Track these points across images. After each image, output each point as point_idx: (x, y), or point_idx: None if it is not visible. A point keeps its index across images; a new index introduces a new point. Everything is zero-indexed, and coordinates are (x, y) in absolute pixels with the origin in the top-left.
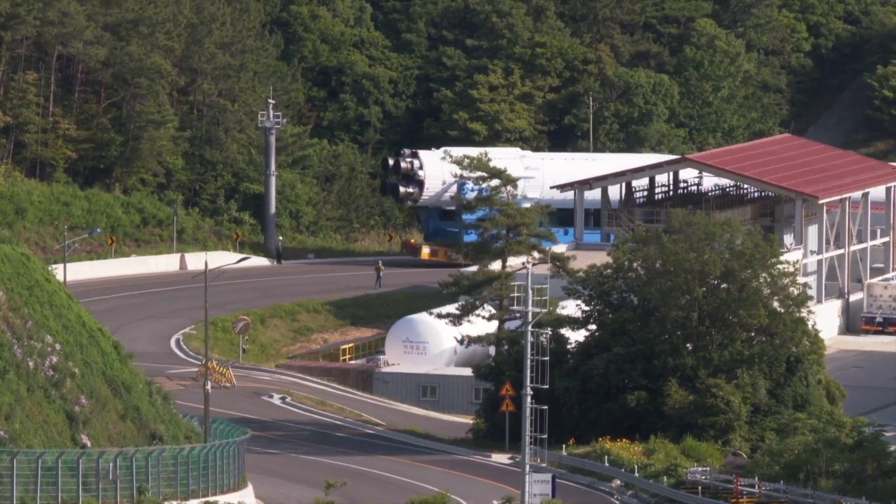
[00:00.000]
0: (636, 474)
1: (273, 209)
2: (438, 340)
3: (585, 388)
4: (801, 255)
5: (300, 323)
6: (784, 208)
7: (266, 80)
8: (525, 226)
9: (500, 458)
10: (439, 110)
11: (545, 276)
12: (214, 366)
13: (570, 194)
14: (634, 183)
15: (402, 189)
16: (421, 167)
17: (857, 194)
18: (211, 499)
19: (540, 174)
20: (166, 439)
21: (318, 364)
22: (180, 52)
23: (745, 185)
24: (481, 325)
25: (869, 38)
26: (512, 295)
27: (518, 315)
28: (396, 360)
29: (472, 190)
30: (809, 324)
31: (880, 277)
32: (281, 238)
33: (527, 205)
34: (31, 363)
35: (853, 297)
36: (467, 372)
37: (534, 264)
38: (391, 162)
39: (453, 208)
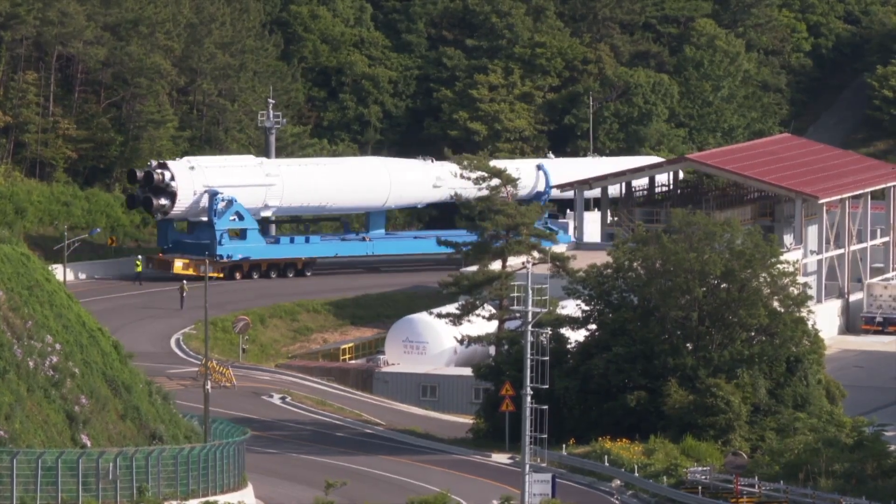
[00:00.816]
0: (636, 474)
1: None
2: (438, 340)
3: (585, 387)
4: (801, 255)
5: (300, 323)
6: (784, 208)
7: (266, 80)
8: (525, 225)
9: (500, 458)
10: (439, 110)
11: (545, 276)
12: (214, 366)
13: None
14: (634, 182)
15: (154, 202)
16: (173, 178)
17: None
18: (211, 499)
19: (280, 181)
20: (166, 439)
21: (318, 364)
22: (180, 51)
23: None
24: (481, 324)
25: (869, 37)
26: (512, 295)
27: (518, 315)
28: (396, 359)
29: (223, 200)
30: (809, 324)
31: (880, 277)
32: None
33: (266, 213)
34: (31, 363)
35: (853, 297)
36: (467, 372)
37: (534, 264)
38: (139, 174)
39: (204, 219)
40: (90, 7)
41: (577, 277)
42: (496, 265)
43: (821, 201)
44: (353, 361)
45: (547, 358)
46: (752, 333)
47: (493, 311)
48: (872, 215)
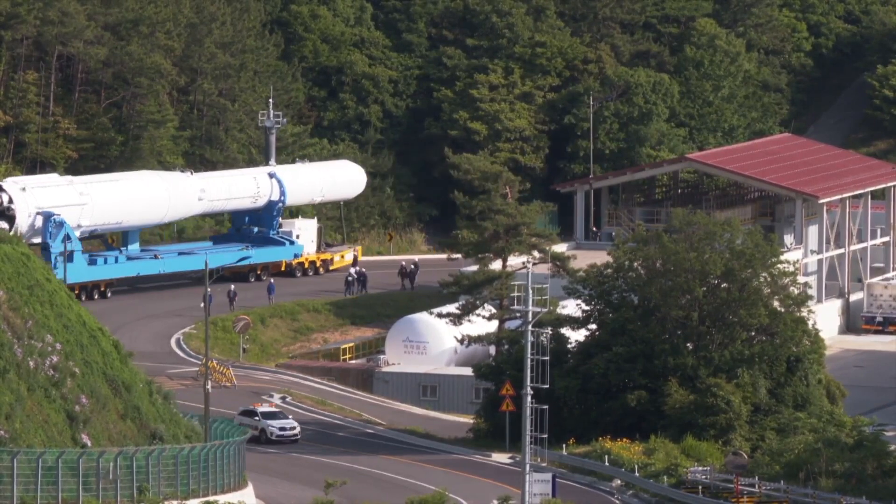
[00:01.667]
0: (636, 474)
1: None
2: (439, 340)
3: (585, 387)
4: (801, 255)
5: (300, 322)
6: (784, 208)
7: (266, 80)
8: (525, 225)
9: (501, 458)
10: (439, 110)
11: (545, 276)
12: (215, 365)
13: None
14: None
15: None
16: (11, 201)
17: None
18: (211, 498)
19: (91, 200)
20: (166, 439)
21: (318, 364)
22: (180, 51)
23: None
24: (481, 324)
25: (869, 37)
26: (512, 295)
27: (518, 315)
28: (396, 359)
29: (56, 222)
30: (809, 323)
31: (880, 277)
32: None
33: (78, 233)
34: (31, 363)
35: (853, 297)
36: (467, 372)
37: (534, 264)
38: None
39: (38, 242)
40: (90, 7)
41: (577, 277)
42: (496, 265)
43: (821, 201)
44: (353, 361)
45: (547, 358)
46: (753, 333)
47: (494, 310)
48: (872, 215)
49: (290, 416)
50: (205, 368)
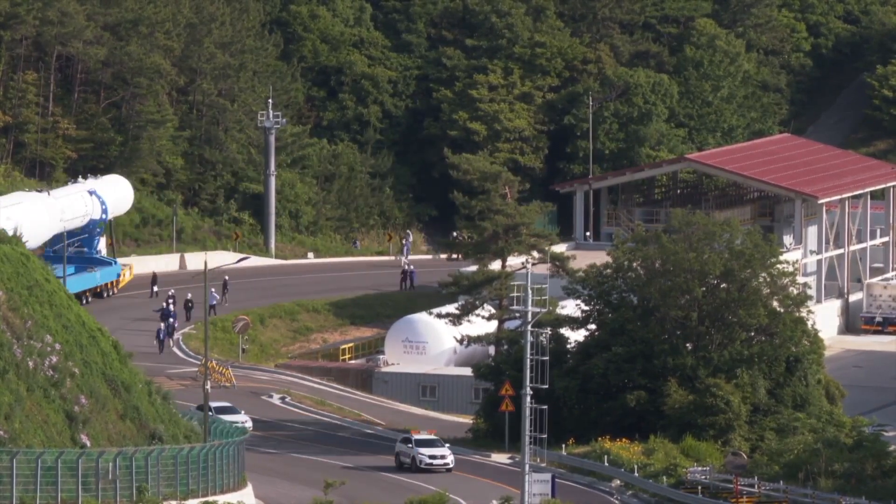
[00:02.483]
0: (636, 474)
1: (273, 209)
2: (438, 340)
3: (585, 387)
4: (800, 255)
5: (300, 323)
6: (784, 208)
7: (266, 80)
8: (525, 225)
9: (500, 458)
10: (439, 110)
11: (545, 276)
12: (214, 365)
13: None
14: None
15: None
16: None
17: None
18: (210, 499)
19: None
20: (166, 439)
21: (317, 364)
22: (180, 51)
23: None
24: (481, 324)
25: (869, 37)
26: (512, 295)
27: (518, 315)
28: (396, 359)
29: None
30: (809, 323)
31: (880, 277)
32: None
33: None
34: (30, 363)
35: (853, 297)
36: (467, 372)
37: (534, 264)
38: None
39: None
40: (90, 7)
41: (577, 277)
42: (496, 265)
43: (820, 201)
44: (352, 361)
45: (547, 358)
46: (752, 333)
47: (493, 311)
48: (872, 215)
49: (446, 445)
50: (204, 368)
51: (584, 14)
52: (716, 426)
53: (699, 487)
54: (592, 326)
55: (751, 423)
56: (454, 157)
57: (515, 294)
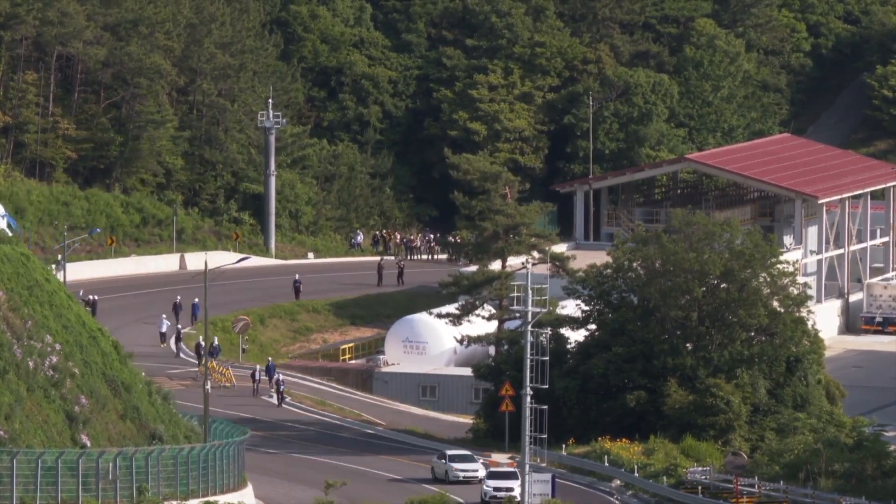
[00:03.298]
0: (636, 474)
1: (273, 209)
2: (438, 340)
3: (585, 387)
4: (800, 255)
5: (300, 323)
6: (784, 208)
7: (266, 80)
8: (525, 225)
9: (500, 458)
10: (439, 110)
11: (545, 276)
12: (214, 366)
13: None
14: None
15: None
16: None
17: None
18: (211, 499)
19: None
20: (166, 439)
21: (317, 364)
22: (180, 52)
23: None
24: (481, 324)
25: (869, 37)
26: (512, 295)
27: (518, 315)
28: (396, 359)
29: None
30: (809, 324)
31: (880, 277)
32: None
33: None
34: (31, 363)
35: (853, 297)
36: (467, 372)
37: (534, 264)
38: None
39: None
40: (90, 7)
41: (577, 277)
42: (496, 265)
43: (821, 201)
44: (352, 361)
45: (547, 358)
46: (752, 333)
47: (493, 311)
48: (872, 215)
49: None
50: (204, 369)
51: (584, 14)
52: (716, 426)
53: (699, 487)
54: (592, 326)
55: (751, 423)
56: (454, 157)
57: (515, 294)
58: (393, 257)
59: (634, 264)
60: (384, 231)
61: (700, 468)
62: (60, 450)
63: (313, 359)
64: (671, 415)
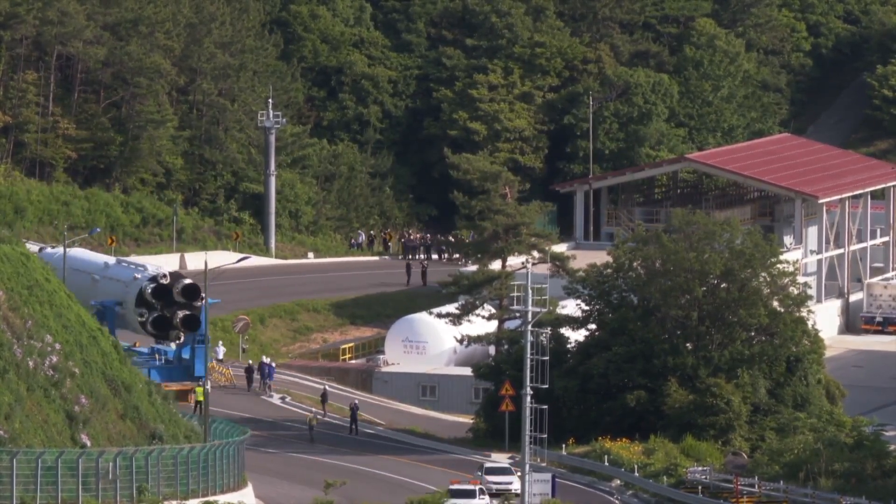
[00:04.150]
0: (636, 474)
1: (273, 209)
2: (438, 340)
3: (585, 387)
4: (800, 255)
5: (300, 322)
6: (784, 208)
7: (266, 80)
8: (525, 225)
9: (500, 458)
10: (439, 110)
11: (545, 276)
12: (214, 365)
13: None
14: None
15: None
16: None
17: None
18: (210, 498)
19: None
20: (166, 439)
21: (317, 364)
22: (180, 51)
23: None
24: (481, 324)
25: (869, 37)
26: (512, 294)
27: (518, 315)
28: (396, 359)
29: None
30: (809, 323)
31: (880, 277)
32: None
33: None
34: (30, 363)
35: (853, 297)
36: (467, 371)
37: (534, 264)
38: None
39: None
40: (90, 7)
41: (577, 277)
42: (496, 265)
43: (821, 201)
44: (352, 361)
45: (547, 358)
46: (752, 333)
47: (493, 310)
48: (872, 215)
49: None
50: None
51: (584, 14)
52: (716, 426)
53: (699, 487)
54: (592, 326)
55: (751, 422)
56: (454, 157)
57: (515, 294)
58: (400, 257)
59: (634, 264)
60: (384, 231)
61: (700, 468)
62: (60, 450)
63: (313, 359)
64: (671, 414)
